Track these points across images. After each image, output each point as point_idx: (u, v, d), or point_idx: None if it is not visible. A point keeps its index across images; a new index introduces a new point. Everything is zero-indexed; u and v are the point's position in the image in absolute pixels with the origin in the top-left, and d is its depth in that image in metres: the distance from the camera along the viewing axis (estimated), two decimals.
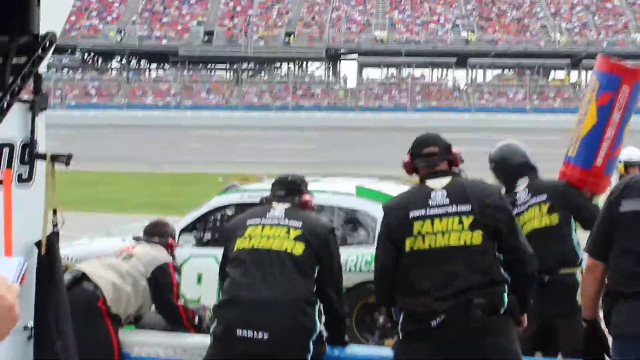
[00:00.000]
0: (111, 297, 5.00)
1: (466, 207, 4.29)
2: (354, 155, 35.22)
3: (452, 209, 4.30)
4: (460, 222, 4.27)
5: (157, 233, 5.69)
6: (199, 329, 5.49)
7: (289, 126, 51.86)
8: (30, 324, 3.82)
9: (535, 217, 5.74)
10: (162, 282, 5.32)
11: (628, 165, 9.78)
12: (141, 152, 37.30)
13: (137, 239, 5.72)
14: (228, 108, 62.48)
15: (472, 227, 4.25)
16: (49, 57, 3.84)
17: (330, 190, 8.06)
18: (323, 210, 7.71)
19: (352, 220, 7.91)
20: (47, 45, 3.79)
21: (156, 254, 5.45)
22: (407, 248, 4.32)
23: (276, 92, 66.36)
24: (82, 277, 5.03)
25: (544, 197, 5.78)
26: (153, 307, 5.63)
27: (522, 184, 5.89)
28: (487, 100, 63.99)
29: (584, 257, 6.04)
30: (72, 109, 61.03)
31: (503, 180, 6.01)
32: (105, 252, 7.70)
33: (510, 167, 5.98)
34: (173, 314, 5.42)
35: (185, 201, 19.89)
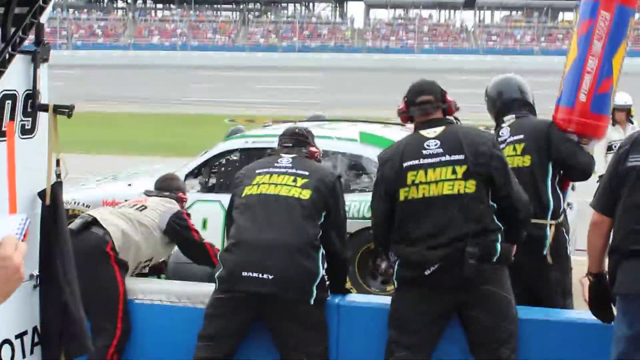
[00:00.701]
0: (119, 244, 5.03)
1: (460, 157, 4.32)
2: (360, 96, 35.13)
3: (446, 158, 4.34)
4: (454, 171, 4.31)
5: (167, 188, 5.74)
6: None
7: (295, 67, 51.70)
8: (36, 272, 3.87)
9: (508, 156, 5.02)
10: (180, 227, 5.36)
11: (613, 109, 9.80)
12: (147, 93, 37.26)
13: (148, 193, 5.76)
14: (234, 48, 62.27)
15: (466, 176, 4.30)
16: (50, 8, 3.83)
17: (334, 136, 8.09)
18: (327, 156, 7.74)
19: (356, 166, 7.95)
20: None
21: (169, 205, 5.49)
22: (402, 198, 4.39)
23: (282, 33, 65.96)
24: (92, 222, 5.07)
25: (520, 136, 5.24)
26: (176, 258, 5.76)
27: (507, 121, 5.39)
28: (495, 42, 63.59)
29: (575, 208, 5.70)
30: (78, 48, 60.86)
31: (494, 116, 5.58)
32: (112, 196, 7.77)
33: (501, 102, 5.50)
34: (201, 251, 5.45)
35: (191, 142, 19.92)
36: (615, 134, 9.94)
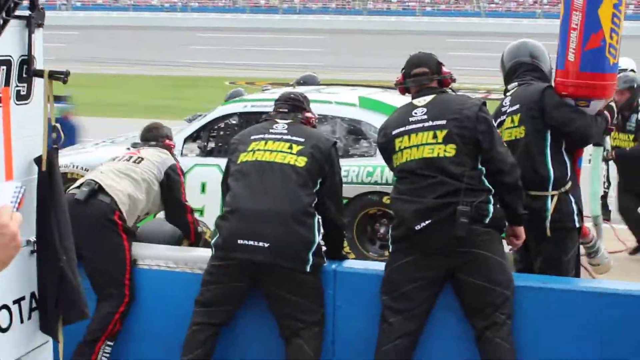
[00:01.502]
0: (126, 209, 5.02)
1: (441, 122, 4.44)
2: (361, 59, 34.98)
3: (428, 123, 4.47)
4: (435, 135, 4.42)
5: (152, 137, 5.65)
6: (197, 240, 5.53)
7: (296, 29, 51.39)
8: (33, 238, 3.88)
9: (506, 129, 4.99)
10: (172, 181, 5.32)
11: None
12: (147, 55, 37.08)
13: (135, 145, 5.68)
14: (235, 10, 61.83)
15: (446, 140, 4.40)
16: None
17: (333, 101, 8.06)
18: (326, 121, 7.73)
19: (355, 131, 7.93)
20: None
21: (164, 156, 5.44)
22: (395, 164, 4.57)
23: None
24: (99, 189, 5.00)
25: (517, 106, 4.99)
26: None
27: (511, 90, 5.16)
28: (497, 5, 63.11)
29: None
30: (78, 9, 60.49)
31: (504, 80, 5.35)
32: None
33: (509, 65, 5.27)
34: (181, 212, 5.42)
35: (191, 105, 19.86)
36: None
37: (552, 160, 4.90)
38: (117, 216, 4.97)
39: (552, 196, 4.89)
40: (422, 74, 4.68)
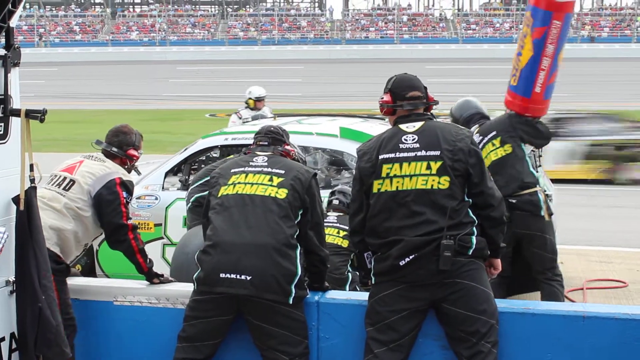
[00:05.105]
0: (54, 242, 4.71)
1: (435, 152, 4.37)
2: (340, 87, 35.12)
3: (422, 153, 4.39)
4: (429, 166, 4.36)
5: (116, 143, 5.24)
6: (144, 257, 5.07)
7: (275, 60, 51.61)
8: (12, 278, 3.85)
9: (490, 152, 6.41)
10: (104, 203, 4.92)
11: None
12: (127, 89, 37.08)
13: (98, 143, 5.29)
14: (213, 43, 62.10)
15: (440, 172, 4.34)
16: (19, 11, 3.79)
17: (314, 132, 8.05)
18: (307, 153, 7.72)
19: (336, 162, 7.92)
20: None
21: (101, 174, 5.00)
22: (375, 190, 4.44)
23: (262, 26, 65.84)
24: None
25: (493, 133, 6.49)
26: None
27: (474, 130, 6.49)
28: (474, 31, 63.65)
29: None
30: (56, 46, 60.55)
31: None
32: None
33: (464, 118, 6.88)
34: (119, 234, 4.94)
35: (172, 138, 19.85)
36: None
37: (531, 165, 6.39)
38: None
39: (542, 191, 6.34)
40: (417, 98, 4.60)
